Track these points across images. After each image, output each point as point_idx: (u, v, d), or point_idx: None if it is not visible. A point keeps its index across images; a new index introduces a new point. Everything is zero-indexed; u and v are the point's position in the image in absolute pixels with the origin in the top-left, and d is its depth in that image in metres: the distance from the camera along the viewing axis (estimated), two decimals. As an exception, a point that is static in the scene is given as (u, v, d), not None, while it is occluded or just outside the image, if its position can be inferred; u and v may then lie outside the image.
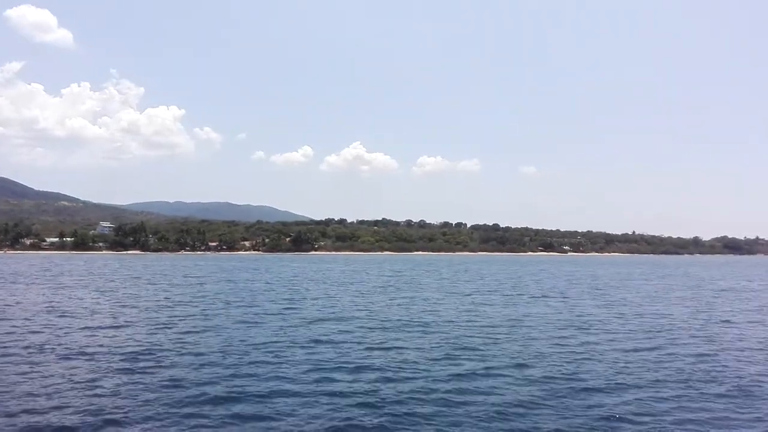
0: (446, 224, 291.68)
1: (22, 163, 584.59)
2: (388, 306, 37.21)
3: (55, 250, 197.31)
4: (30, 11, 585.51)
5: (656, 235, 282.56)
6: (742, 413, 14.21)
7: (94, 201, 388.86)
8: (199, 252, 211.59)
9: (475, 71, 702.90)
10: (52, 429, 12.64)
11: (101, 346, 21.97)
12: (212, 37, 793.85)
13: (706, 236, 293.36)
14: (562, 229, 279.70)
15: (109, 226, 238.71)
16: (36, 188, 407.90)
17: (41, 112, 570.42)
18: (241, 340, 23.39)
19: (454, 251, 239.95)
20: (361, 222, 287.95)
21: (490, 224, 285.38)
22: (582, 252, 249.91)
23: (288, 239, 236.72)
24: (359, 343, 22.84)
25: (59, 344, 22.15)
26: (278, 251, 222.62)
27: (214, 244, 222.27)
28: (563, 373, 17.87)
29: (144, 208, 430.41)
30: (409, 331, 26.02)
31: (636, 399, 15.24)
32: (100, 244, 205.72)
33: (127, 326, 27.37)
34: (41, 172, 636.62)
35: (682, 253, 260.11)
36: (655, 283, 65.31)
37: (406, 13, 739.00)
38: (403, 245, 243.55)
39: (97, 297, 41.65)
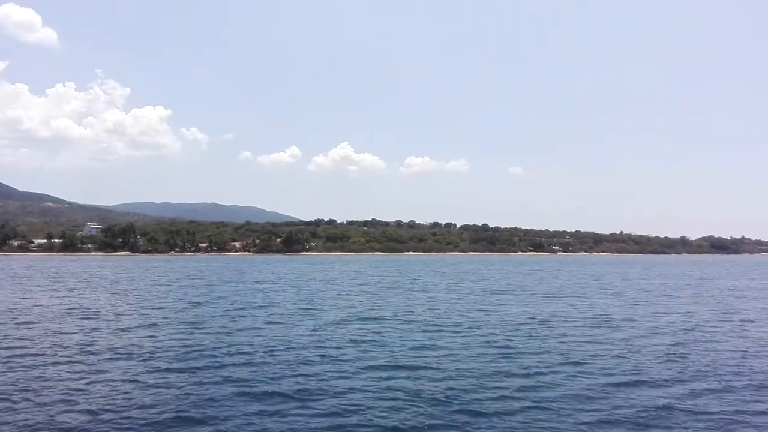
0: (436, 225, 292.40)
1: (6, 164, 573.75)
2: (410, 306, 37.27)
3: (42, 251, 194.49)
4: (14, 10, 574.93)
5: (643, 234, 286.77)
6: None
7: (80, 202, 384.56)
8: (189, 253, 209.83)
9: (464, 71, 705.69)
10: (143, 424, 12.70)
11: (144, 346, 21.88)
12: (199, 37, 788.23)
13: (693, 236, 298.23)
14: (551, 229, 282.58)
15: (97, 228, 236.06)
16: (20, 189, 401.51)
17: (25, 113, 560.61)
18: (282, 340, 23.37)
19: (444, 251, 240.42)
20: (351, 222, 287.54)
21: (480, 224, 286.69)
22: (571, 252, 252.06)
23: (279, 240, 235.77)
24: (403, 343, 22.87)
25: (101, 345, 22.01)
26: (269, 252, 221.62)
27: (204, 245, 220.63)
28: (622, 370, 18.13)
29: (130, 209, 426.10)
30: (447, 332, 26.11)
31: (707, 390, 15.59)
32: (89, 245, 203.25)
33: (160, 326, 27.26)
34: (26, 173, 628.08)
35: (670, 253, 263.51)
36: (659, 282, 66.06)
37: (393, 13, 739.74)
38: (393, 246, 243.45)
39: (111, 298, 41.24)
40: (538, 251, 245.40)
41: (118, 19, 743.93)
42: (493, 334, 25.43)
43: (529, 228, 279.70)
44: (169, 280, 62.44)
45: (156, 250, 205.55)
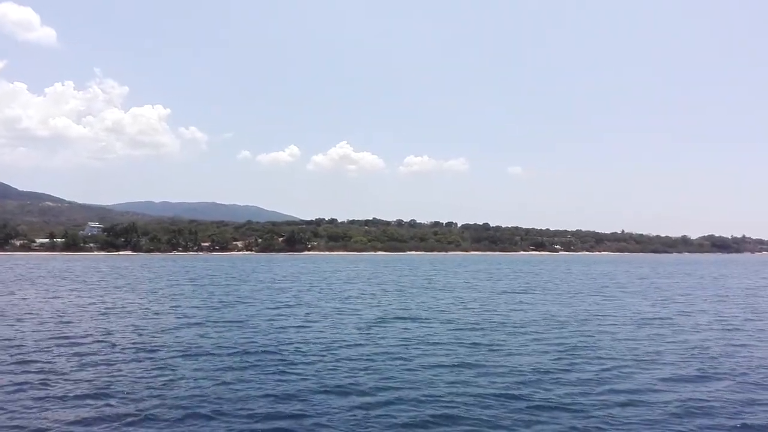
0: (437, 224, 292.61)
1: (4, 163, 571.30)
2: (441, 305, 37.43)
3: (45, 251, 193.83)
4: (12, 9, 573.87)
5: (644, 233, 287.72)
6: None
7: (79, 201, 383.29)
8: (191, 252, 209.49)
9: (462, 71, 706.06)
10: (243, 417, 12.96)
11: (203, 344, 21.98)
12: (198, 36, 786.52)
13: (693, 235, 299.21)
14: (551, 229, 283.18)
15: (98, 227, 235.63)
16: (19, 188, 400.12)
17: (24, 112, 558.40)
18: (335, 338, 23.54)
19: (446, 251, 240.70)
20: (352, 222, 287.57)
21: (481, 224, 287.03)
22: (573, 251, 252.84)
23: (281, 239, 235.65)
24: (459, 342, 22.99)
25: (159, 343, 22.17)
26: (271, 251, 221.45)
27: (206, 244, 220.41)
28: (698, 369, 18.33)
29: (129, 208, 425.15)
30: (496, 330, 26.25)
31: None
32: (92, 245, 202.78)
33: (206, 325, 27.37)
34: (24, 172, 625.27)
35: (671, 252, 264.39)
36: (675, 281, 66.30)
37: (392, 13, 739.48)
38: (395, 245, 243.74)
39: (140, 297, 41.22)
40: (540, 250, 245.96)
41: (117, 18, 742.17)
42: (541, 332, 25.62)
43: (530, 227, 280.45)
44: (185, 280, 62.41)
45: (158, 250, 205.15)
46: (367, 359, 19.55)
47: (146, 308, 34.44)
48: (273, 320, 29.56)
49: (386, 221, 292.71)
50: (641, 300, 41.75)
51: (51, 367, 18.04)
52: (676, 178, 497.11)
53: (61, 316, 30.50)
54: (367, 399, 14.76)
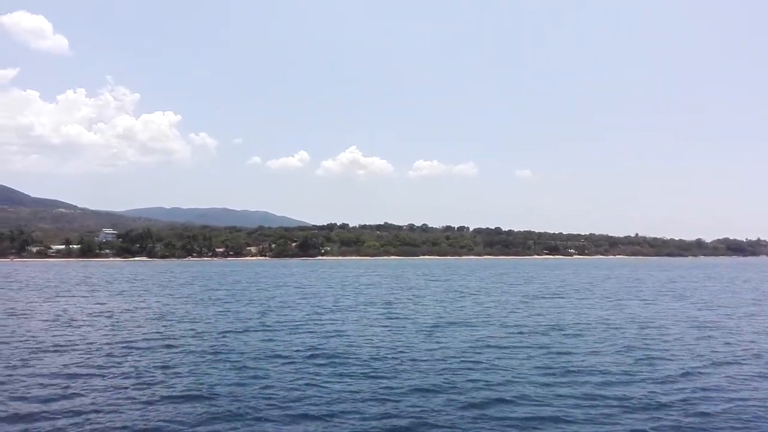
0: (448, 228, 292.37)
1: (18, 170, 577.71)
2: (488, 310, 37.30)
3: (61, 257, 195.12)
4: (25, 18, 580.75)
5: (658, 237, 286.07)
6: None
7: (92, 207, 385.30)
8: (206, 258, 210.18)
9: (471, 73, 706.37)
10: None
11: (273, 348, 22.02)
12: (208, 43, 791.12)
13: (708, 238, 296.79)
14: (564, 232, 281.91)
15: (112, 233, 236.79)
16: (32, 195, 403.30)
17: (36, 119, 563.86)
18: (406, 344, 23.41)
19: (459, 255, 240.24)
20: (364, 226, 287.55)
21: (492, 228, 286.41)
22: (587, 255, 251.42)
23: (294, 244, 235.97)
24: (527, 347, 22.87)
25: (230, 347, 22.25)
26: (285, 257, 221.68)
27: (220, 250, 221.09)
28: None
29: (141, 214, 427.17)
30: (555, 334, 26.11)
31: None
32: (107, 251, 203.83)
33: (263, 329, 27.44)
34: (37, 179, 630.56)
35: (686, 255, 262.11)
36: (706, 286, 65.71)
37: (398, 15, 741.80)
38: (408, 249, 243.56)
39: (184, 302, 41.37)
40: (553, 254, 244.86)
41: (128, 26, 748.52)
42: (603, 335, 25.51)
43: (542, 231, 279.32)
44: (216, 285, 62.57)
45: (173, 256, 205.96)
46: (442, 362, 19.69)
47: (195, 313, 34.61)
48: (327, 324, 29.65)
49: (398, 226, 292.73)
50: (686, 304, 41.40)
51: (137, 370, 18.10)
52: (690, 181, 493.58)
53: (116, 321, 30.67)
54: (469, 399, 14.95)
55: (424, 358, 20.38)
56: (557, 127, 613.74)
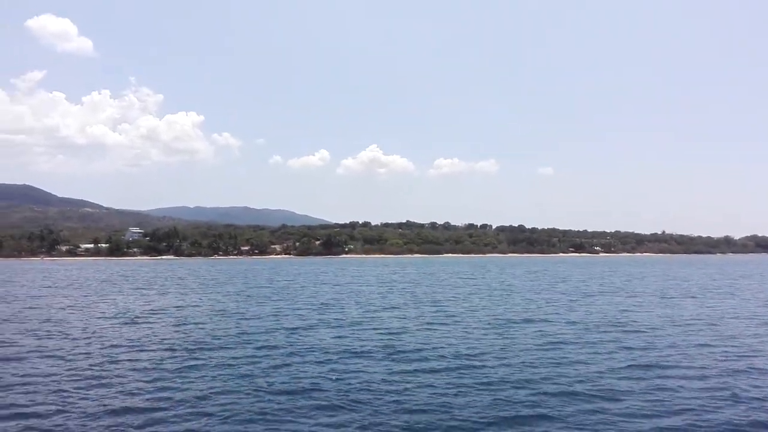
0: (471, 226, 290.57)
1: (44, 171, 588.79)
2: (542, 308, 36.95)
3: (90, 256, 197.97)
4: (50, 21, 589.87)
5: (685, 234, 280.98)
6: None
7: (117, 207, 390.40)
8: (231, 256, 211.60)
9: (491, 71, 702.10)
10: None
11: (352, 345, 21.91)
12: (230, 43, 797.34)
13: (736, 235, 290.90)
14: (589, 230, 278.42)
15: (139, 232, 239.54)
16: (59, 195, 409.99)
17: (62, 120, 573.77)
18: (478, 341, 23.16)
19: (483, 253, 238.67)
20: (386, 225, 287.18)
21: (516, 225, 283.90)
22: (613, 252, 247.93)
23: (318, 243, 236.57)
24: (612, 342, 22.60)
25: (310, 345, 22.13)
26: (309, 255, 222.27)
27: (245, 248, 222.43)
28: None
29: (165, 213, 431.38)
30: (627, 332, 25.83)
31: None
32: (135, 249, 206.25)
33: (328, 326, 27.45)
34: (64, 180, 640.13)
35: (715, 252, 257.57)
36: (752, 283, 64.40)
37: (418, 12, 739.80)
38: (431, 248, 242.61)
39: (234, 300, 41.47)
40: (579, 252, 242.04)
41: (151, 27, 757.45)
42: (677, 334, 25.16)
43: (567, 228, 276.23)
44: (256, 283, 62.78)
45: (199, 254, 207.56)
46: (527, 357, 20.00)
47: (252, 310, 34.76)
48: (386, 322, 29.57)
49: (420, 224, 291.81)
50: (746, 302, 40.54)
51: (228, 365, 18.13)
52: (717, 177, 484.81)
53: (180, 319, 30.91)
54: (570, 390, 15.37)
55: (508, 354, 20.42)
56: (578, 125, 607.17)
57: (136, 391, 15.49)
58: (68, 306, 37.75)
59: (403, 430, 12.55)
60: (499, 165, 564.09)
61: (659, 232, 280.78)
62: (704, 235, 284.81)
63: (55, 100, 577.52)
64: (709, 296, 45.52)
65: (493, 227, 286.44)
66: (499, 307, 36.63)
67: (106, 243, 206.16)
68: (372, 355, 20.43)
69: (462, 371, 17.87)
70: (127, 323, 29.28)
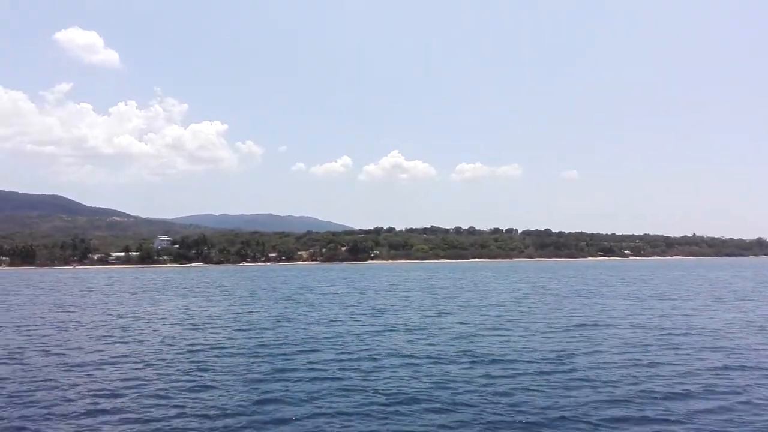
0: (496, 230, 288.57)
1: (73, 181, 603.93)
2: (608, 311, 36.21)
3: (120, 264, 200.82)
4: (78, 34, 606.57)
5: (716, 236, 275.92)
6: None
7: (143, 216, 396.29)
8: (259, 263, 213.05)
9: (512, 76, 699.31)
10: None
11: (427, 351, 21.60)
12: (252, 54, 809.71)
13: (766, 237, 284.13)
14: (617, 233, 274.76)
15: (167, 240, 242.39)
16: (88, 205, 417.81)
17: (90, 131, 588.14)
18: (560, 345, 22.76)
19: (510, 257, 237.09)
20: (411, 230, 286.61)
21: (542, 229, 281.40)
22: (643, 256, 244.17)
23: (344, 249, 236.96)
24: (693, 347, 22.09)
25: (384, 349, 21.88)
26: (335, 261, 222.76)
27: (273, 255, 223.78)
28: None
29: (190, 221, 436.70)
30: (704, 336, 25.14)
31: None
32: (164, 257, 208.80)
33: (392, 331, 27.23)
34: (92, 189, 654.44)
35: (747, 255, 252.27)
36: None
37: (439, 19, 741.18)
38: (457, 252, 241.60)
39: (286, 306, 41.47)
40: (608, 256, 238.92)
41: (176, 39, 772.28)
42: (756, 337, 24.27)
43: (594, 232, 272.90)
44: (299, 289, 62.90)
45: (228, 261, 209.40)
46: (628, 361, 19.32)
47: (310, 315, 34.71)
48: (452, 326, 29.14)
49: (445, 229, 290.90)
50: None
51: (321, 371, 17.99)
52: (745, 178, 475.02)
53: (242, 324, 31.01)
54: (674, 391, 15.13)
55: (592, 357, 20.20)
56: (601, 128, 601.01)
57: (243, 393, 15.50)
58: (127, 313, 38.14)
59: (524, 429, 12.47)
60: (522, 169, 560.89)
61: (689, 235, 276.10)
62: (735, 237, 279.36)
63: (82, 112, 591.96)
64: (763, 298, 44.45)
65: (519, 231, 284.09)
66: (557, 312, 36.05)
67: (136, 251, 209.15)
68: (456, 359, 20.16)
69: (554, 373, 17.69)
70: (194, 328, 29.45)
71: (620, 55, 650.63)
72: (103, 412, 14.11)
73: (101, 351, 22.69)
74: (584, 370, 18.03)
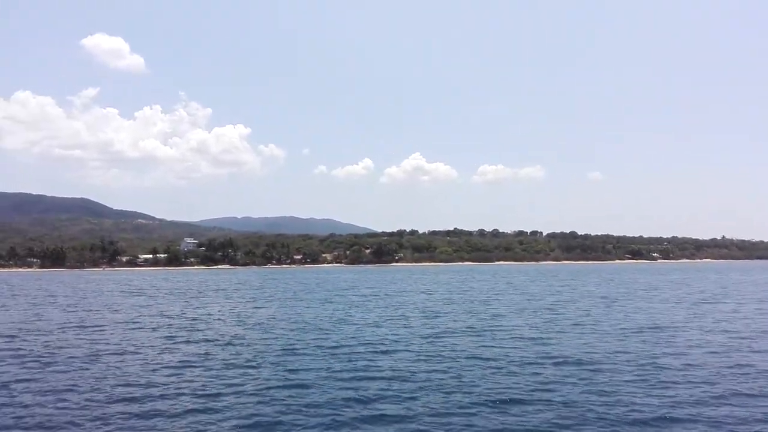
0: (521, 233, 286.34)
1: (99, 184, 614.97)
2: (664, 315, 35.54)
3: (149, 266, 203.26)
4: (104, 39, 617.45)
5: (746, 239, 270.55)
6: None
7: (168, 218, 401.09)
8: (284, 265, 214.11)
9: (534, 76, 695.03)
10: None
11: (504, 354, 21.29)
12: (274, 58, 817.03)
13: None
14: (644, 236, 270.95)
15: (193, 242, 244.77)
16: (114, 207, 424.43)
17: (116, 135, 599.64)
18: (640, 348, 22.30)
19: (535, 260, 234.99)
20: (434, 232, 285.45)
21: (567, 232, 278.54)
22: (672, 259, 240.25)
23: (368, 251, 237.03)
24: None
25: (461, 351, 21.64)
26: (360, 263, 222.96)
27: (298, 257, 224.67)
28: None
29: (214, 224, 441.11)
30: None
31: None
32: (192, 259, 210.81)
33: (461, 335, 26.80)
34: (118, 192, 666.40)
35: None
36: None
37: (459, 21, 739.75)
38: (482, 255, 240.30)
39: (332, 308, 41.45)
40: (636, 259, 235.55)
41: (198, 44, 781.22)
42: None
43: (621, 234, 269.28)
44: (336, 292, 62.93)
45: (253, 263, 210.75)
46: (716, 363, 18.99)
47: (358, 317, 34.74)
48: (515, 329, 28.78)
49: (468, 231, 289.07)
50: None
51: (405, 377, 17.81)
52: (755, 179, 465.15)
53: (301, 324, 31.24)
54: None
55: (677, 359, 19.93)
56: (626, 127, 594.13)
57: (337, 391, 15.57)
58: (180, 314, 38.44)
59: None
60: (545, 170, 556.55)
61: (719, 237, 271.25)
62: (766, 240, 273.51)
63: (108, 116, 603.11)
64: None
65: (544, 234, 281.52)
66: (616, 314, 35.47)
67: (163, 253, 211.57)
68: (539, 360, 19.93)
69: (648, 373, 17.60)
70: (255, 329, 29.57)
71: (648, 53, 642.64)
72: (209, 411, 14.15)
73: (175, 351, 22.81)
74: (674, 371, 17.90)
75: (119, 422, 13.29)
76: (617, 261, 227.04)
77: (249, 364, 19.88)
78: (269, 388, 16.34)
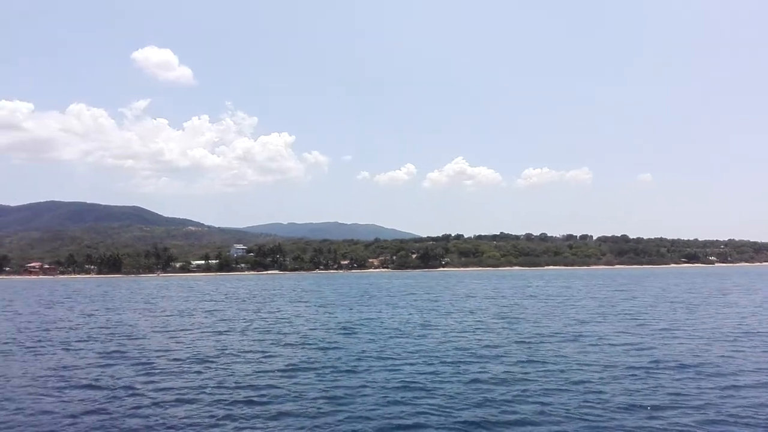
0: (570, 237, 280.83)
1: (151, 193, 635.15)
2: (756, 318, 33.90)
3: (201, 272, 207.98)
4: (153, 52, 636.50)
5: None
6: None
7: (217, 225, 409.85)
8: (332, 270, 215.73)
9: (578, 79, 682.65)
10: None
11: (606, 360, 20.55)
12: (318, 66, 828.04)
13: None
14: (700, 239, 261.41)
15: (242, 248, 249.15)
16: (165, 215, 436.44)
17: (166, 145, 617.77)
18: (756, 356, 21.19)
19: (586, 265, 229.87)
20: (480, 237, 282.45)
21: (618, 235, 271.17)
22: (730, 262, 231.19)
23: (414, 256, 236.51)
24: None
25: (560, 357, 21.00)
26: (406, 268, 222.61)
27: (345, 262, 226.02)
28: None
29: (260, 230, 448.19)
30: None
31: None
32: (242, 265, 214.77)
33: (550, 340, 26.08)
34: (168, 200, 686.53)
35: None
36: None
37: (501, 26, 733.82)
38: (530, 260, 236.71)
39: (408, 313, 41.22)
40: (692, 263, 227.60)
41: (244, 55, 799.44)
42: None
43: (675, 238, 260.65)
44: (399, 297, 62.73)
45: (302, 268, 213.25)
46: None
47: (435, 322, 34.42)
48: (609, 336, 27.76)
49: (515, 235, 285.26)
50: None
51: (511, 382, 17.33)
52: None
53: (384, 329, 31.11)
54: None
55: None
56: (676, 127, 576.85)
57: (469, 396, 15.23)
58: (258, 317, 38.89)
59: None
60: (592, 173, 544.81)
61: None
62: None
63: (158, 127, 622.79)
64: None
65: (594, 238, 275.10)
66: (708, 319, 34.09)
67: (215, 259, 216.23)
68: (652, 367, 19.17)
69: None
70: (341, 333, 29.59)
71: (700, 53, 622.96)
72: (338, 413, 14.11)
73: (275, 355, 22.93)
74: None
75: (248, 423, 13.39)
76: (672, 265, 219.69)
77: (356, 368, 19.74)
78: (391, 388, 16.30)
